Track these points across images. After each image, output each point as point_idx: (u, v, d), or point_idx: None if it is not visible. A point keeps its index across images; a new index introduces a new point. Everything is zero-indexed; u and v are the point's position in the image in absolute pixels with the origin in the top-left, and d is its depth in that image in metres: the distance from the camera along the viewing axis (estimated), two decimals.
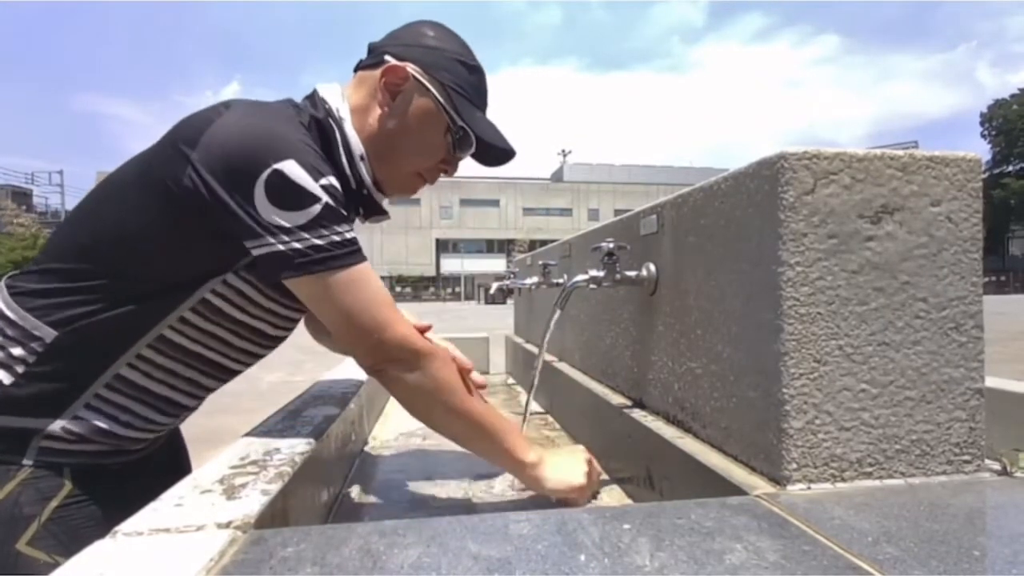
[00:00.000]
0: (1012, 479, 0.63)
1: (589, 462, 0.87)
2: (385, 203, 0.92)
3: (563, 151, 50.45)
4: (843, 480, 0.61)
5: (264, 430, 0.81)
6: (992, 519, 0.54)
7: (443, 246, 44.81)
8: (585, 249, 1.32)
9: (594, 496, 0.89)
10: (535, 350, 1.85)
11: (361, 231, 0.82)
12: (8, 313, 0.73)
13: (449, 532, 0.51)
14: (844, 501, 0.56)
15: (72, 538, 0.70)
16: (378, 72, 0.82)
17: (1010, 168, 45.04)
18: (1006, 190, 41.21)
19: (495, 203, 45.48)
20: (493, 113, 0.91)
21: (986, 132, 46.12)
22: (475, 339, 2.31)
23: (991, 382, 0.81)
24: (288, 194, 0.69)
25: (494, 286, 2.17)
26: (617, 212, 5.28)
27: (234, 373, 0.87)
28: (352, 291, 0.74)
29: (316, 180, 0.70)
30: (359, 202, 0.86)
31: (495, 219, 45.53)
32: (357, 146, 0.82)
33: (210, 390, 0.86)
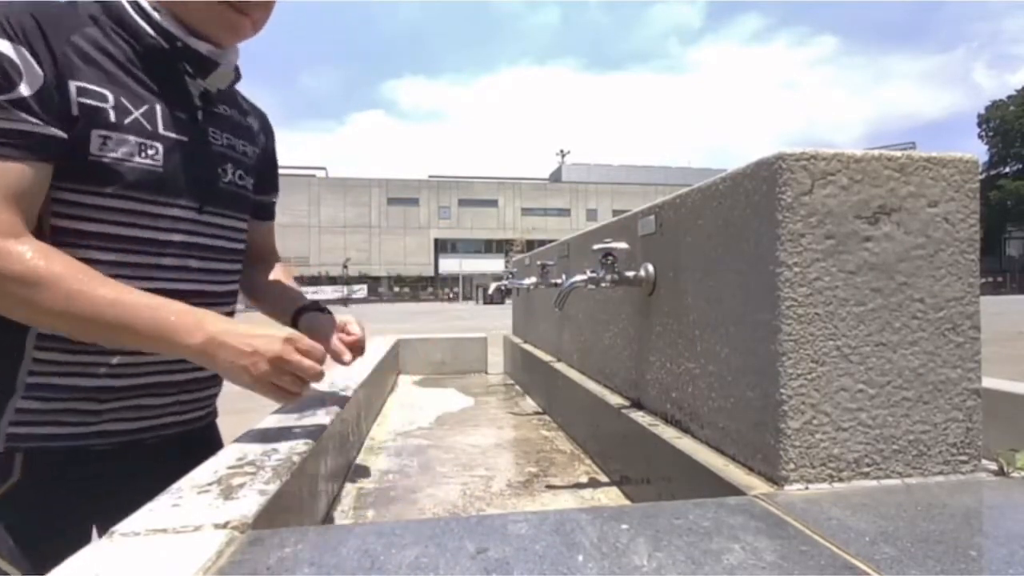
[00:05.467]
0: (1009, 479, 0.63)
1: (287, 341, 0.71)
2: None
3: (561, 151, 50.52)
4: (840, 480, 0.61)
5: (262, 430, 0.81)
6: (989, 519, 0.54)
7: (441, 246, 44.82)
8: (583, 249, 1.32)
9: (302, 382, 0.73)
10: (533, 350, 1.85)
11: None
12: None
13: (447, 532, 0.51)
14: (841, 501, 0.56)
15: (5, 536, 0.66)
16: None
17: (1007, 169, 45.17)
18: (1003, 191, 41.33)
19: (493, 203, 45.50)
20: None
21: (983, 133, 46.24)
22: (473, 339, 2.31)
23: (988, 382, 0.81)
24: None
25: (492, 286, 2.17)
26: (615, 212, 5.29)
27: (160, 246, 0.77)
28: None
29: None
30: (181, 59, 0.79)
31: (493, 219, 45.56)
32: None
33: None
